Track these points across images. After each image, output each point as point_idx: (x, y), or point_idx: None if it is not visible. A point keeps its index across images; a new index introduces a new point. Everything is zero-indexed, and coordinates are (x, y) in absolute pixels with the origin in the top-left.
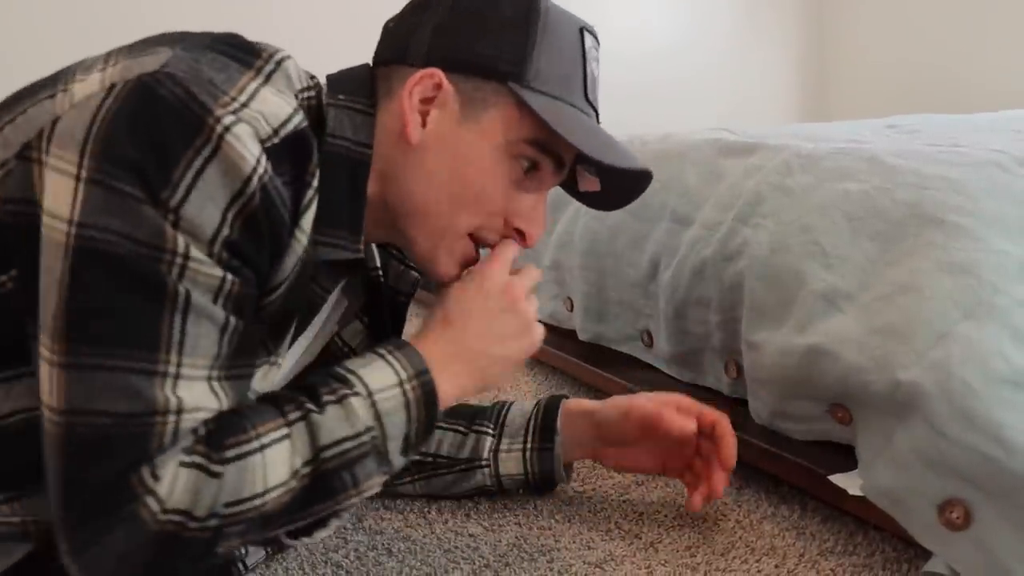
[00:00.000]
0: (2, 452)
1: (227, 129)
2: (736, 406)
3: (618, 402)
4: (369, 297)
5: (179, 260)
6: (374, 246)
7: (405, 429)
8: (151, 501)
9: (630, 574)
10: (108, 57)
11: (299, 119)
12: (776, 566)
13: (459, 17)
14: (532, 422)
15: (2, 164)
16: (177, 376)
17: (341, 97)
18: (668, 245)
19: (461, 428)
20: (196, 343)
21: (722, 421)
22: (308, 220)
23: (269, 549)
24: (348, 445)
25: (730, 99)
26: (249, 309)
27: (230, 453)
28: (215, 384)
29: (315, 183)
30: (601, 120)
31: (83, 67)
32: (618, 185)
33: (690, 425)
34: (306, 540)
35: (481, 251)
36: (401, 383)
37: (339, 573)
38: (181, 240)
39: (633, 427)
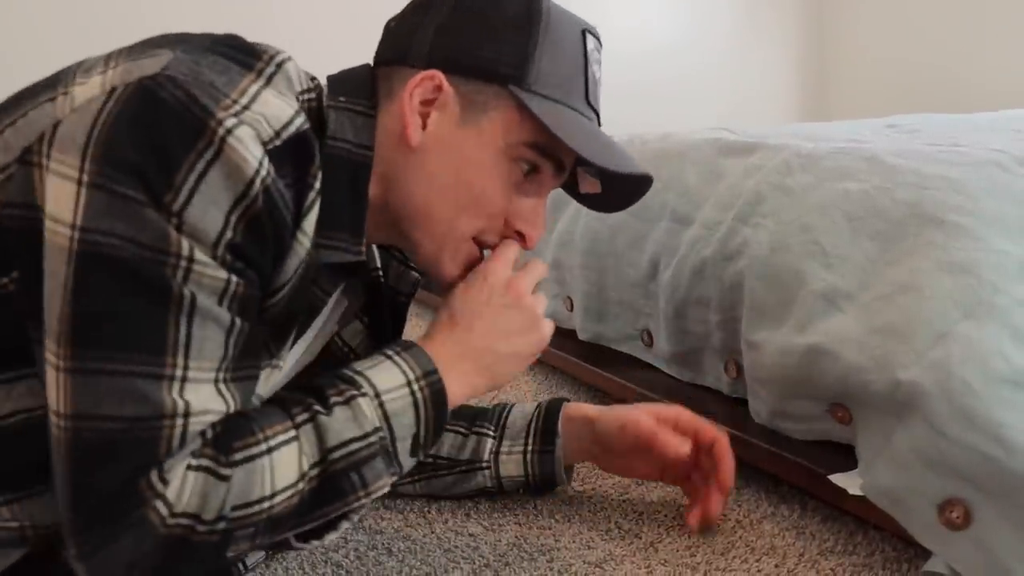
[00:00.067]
0: (2, 453)
1: (229, 132)
2: (736, 406)
3: (617, 414)
4: (369, 297)
5: (183, 263)
6: (374, 246)
7: (414, 429)
8: (160, 505)
9: (630, 574)
10: (108, 59)
11: (301, 121)
12: (776, 566)
13: (461, 18)
14: (533, 424)
15: (3, 168)
16: (184, 379)
17: (342, 99)
18: (668, 245)
19: (462, 429)
20: (202, 346)
21: (721, 440)
22: (310, 222)
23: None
24: (356, 446)
25: (730, 99)
26: (254, 311)
27: (238, 456)
28: (222, 387)
29: (317, 185)
30: (601, 120)
31: (83, 69)
32: (618, 188)
33: (684, 448)
34: (315, 543)
35: (484, 252)
36: (409, 383)
37: (339, 573)
38: (185, 243)
39: (629, 442)
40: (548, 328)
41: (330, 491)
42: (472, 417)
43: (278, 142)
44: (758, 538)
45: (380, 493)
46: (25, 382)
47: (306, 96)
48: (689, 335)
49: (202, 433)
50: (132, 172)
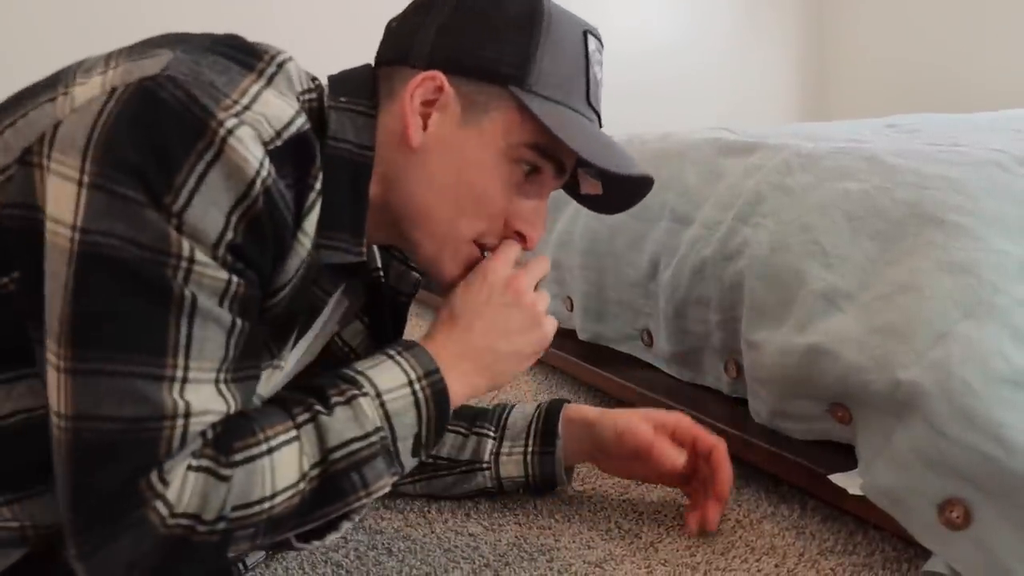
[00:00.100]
0: (2, 453)
1: (230, 132)
2: (736, 405)
3: (616, 419)
4: (370, 297)
5: (184, 264)
6: (375, 246)
7: (416, 429)
8: (160, 506)
9: (630, 573)
10: (108, 59)
11: (301, 121)
12: (776, 565)
13: (462, 18)
14: (533, 425)
15: (3, 169)
16: (184, 380)
17: (343, 99)
18: (668, 244)
19: (462, 430)
20: (203, 346)
21: (718, 449)
22: (311, 223)
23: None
24: (357, 446)
25: (730, 98)
26: (254, 311)
27: (238, 456)
28: (222, 387)
29: (318, 185)
30: (602, 120)
31: (83, 69)
32: (619, 189)
33: (679, 460)
34: (316, 543)
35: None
36: (411, 383)
37: (339, 572)
38: (185, 244)
39: (626, 449)
40: (550, 326)
41: (331, 491)
42: (472, 418)
43: (279, 142)
44: (758, 538)
45: (381, 493)
46: (25, 382)
47: (307, 96)
48: (689, 335)
49: (202, 433)
50: (132, 173)
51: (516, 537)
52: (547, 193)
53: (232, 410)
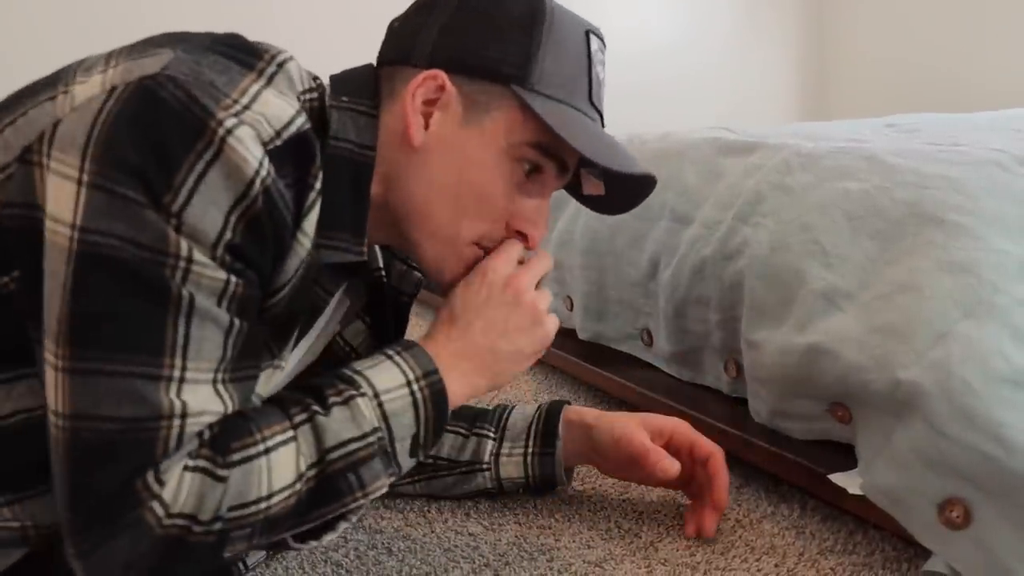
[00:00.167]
0: (2, 453)
1: (229, 132)
2: (736, 405)
3: (613, 424)
4: (371, 297)
5: (182, 264)
6: (377, 246)
7: (414, 430)
8: (156, 506)
9: (630, 573)
10: (109, 58)
11: (301, 121)
12: (776, 565)
13: (464, 18)
14: (534, 426)
15: (3, 168)
16: (182, 380)
17: (344, 99)
18: (668, 244)
19: (462, 431)
20: (200, 346)
21: (716, 456)
22: (311, 223)
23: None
24: (354, 446)
25: (730, 98)
26: (253, 311)
27: (235, 457)
28: (220, 387)
29: (318, 185)
30: (604, 120)
31: (83, 68)
32: (622, 189)
33: (672, 470)
34: (313, 543)
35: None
36: (409, 383)
37: (339, 572)
38: (184, 244)
39: (623, 455)
40: (552, 324)
41: (328, 492)
42: (472, 418)
43: (278, 142)
44: (758, 537)
45: (378, 494)
46: (25, 382)
47: (308, 96)
48: (689, 334)
49: (199, 434)
50: (132, 172)
51: (516, 537)
52: (549, 193)
53: (229, 410)
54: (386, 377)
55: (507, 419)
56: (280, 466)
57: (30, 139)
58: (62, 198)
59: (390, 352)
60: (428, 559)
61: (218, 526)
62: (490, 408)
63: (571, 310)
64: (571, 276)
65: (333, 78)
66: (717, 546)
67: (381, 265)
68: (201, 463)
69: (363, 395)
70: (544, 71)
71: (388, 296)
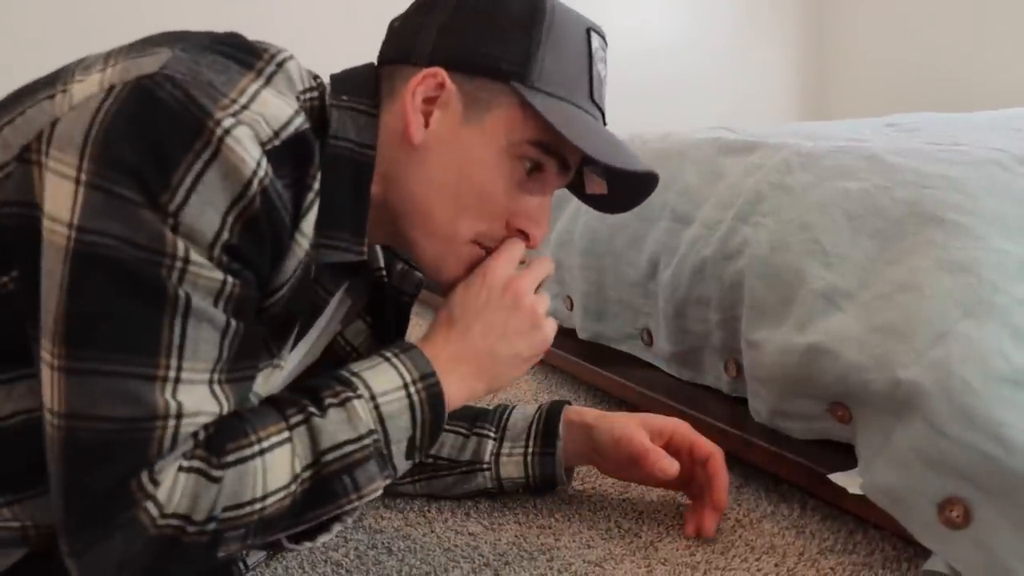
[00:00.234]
0: (2, 453)
1: (227, 132)
2: (736, 405)
3: (613, 424)
4: (373, 297)
5: (179, 264)
6: (378, 246)
7: (410, 432)
8: (150, 506)
9: (630, 573)
10: (108, 57)
11: (300, 121)
12: (776, 565)
13: (464, 17)
14: (534, 426)
15: (2, 167)
16: (177, 380)
17: (344, 98)
18: (668, 244)
19: (462, 430)
20: (197, 347)
21: (715, 457)
22: (309, 223)
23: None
24: (349, 448)
25: (730, 98)
26: (250, 311)
27: (230, 457)
28: (216, 388)
29: (316, 185)
30: (606, 118)
31: (82, 67)
32: (624, 187)
33: (672, 470)
34: (308, 544)
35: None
36: (406, 386)
37: (339, 572)
38: (181, 244)
39: (622, 455)
40: (550, 328)
41: (323, 493)
42: (473, 418)
43: (277, 142)
44: (758, 537)
45: (373, 496)
46: (25, 382)
47: (308, 95)
48: (689, 334)
49: (194, 434)
50: (129, 172)
51: (516, 536)
52: (550, 191)
53: (225, 411)
54: (383, 379)
55: (507, 419)
56: (275, 467)
57: (29, 138)
58: (60, 197)
59: (387, 354)
60: (428, 559)
61: (212, 527)
62: (490, 408)
63: (571, 310)
64: (571, 276)
65: (333, 77)
66: (717, 546)
67: (382, 265)
68: (196, 464)
69: (359, 397)
70: (544, 69)
71: (389, 296)
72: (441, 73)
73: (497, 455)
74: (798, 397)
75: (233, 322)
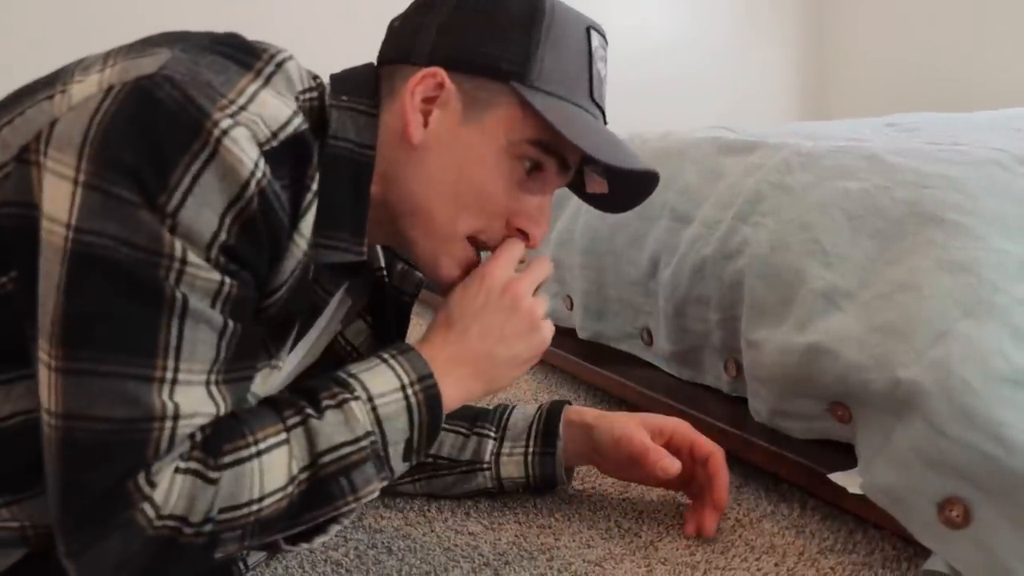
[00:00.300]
0: (1, 454)
1: (225, 133)
2: (736, 404)
3: (613, 424)
4: (373, 297)
5: (176, 265)
6: (378, 246)
7: (407, 434)
8: (147, 507)
9: (630, 572)
10: (107, 57)
11: (298, 122)
12: (776, 564)
13: (463, 16)
14: (534, 426)
15: (1, 167)
16: (174, 381)
17: (344, 98)
18: (668, 243)
19: (463, 430)
20: (194, 348)
21: (715, 456)
22: (307, 223)
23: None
24: (347, 450)
25: (730, 97)
26: (248, 312)
27: (227, 459)
28: (213, 389)
29: (314, 186)
30: (607, 117)
31: (81, 67)
32: (625, 186)
33: (673, 468)
34: (305, 546)
35: (483, 254)
36: (403, 387)
37: (339, 571)
38: (178, 245)
39: (623, 455)
40: (548, 331)
41: (319, 495)
42: (473, 418)
43: (275, 143)
44: (758, 537)
45: (370, 498)
46: (24, 383)
47: (308, 95)
48: (689, 334)
49: (191, 436)
50: (127, 173)
51: (516, 536)
52: (550, 191)
53: (222, 412)
54: (380, 381)
55: (508, 419)
56: (272, 469)
57: (28, 138)
58: (58, 197)
59: (385, 355)
60: (428, 558)
61: (209, 528)
62: (491, 408)
63: (571, 309)
64: (571, 275)
65: (333, 77)
66: (717, 545)
67: (382, 264)
68: (193, 465)
69: (357, 399)
70: (544, 68)
71: (389, 296)
72: (440, 73)
73: (497, 455)
74: (798, 397)
75: (230, 323)
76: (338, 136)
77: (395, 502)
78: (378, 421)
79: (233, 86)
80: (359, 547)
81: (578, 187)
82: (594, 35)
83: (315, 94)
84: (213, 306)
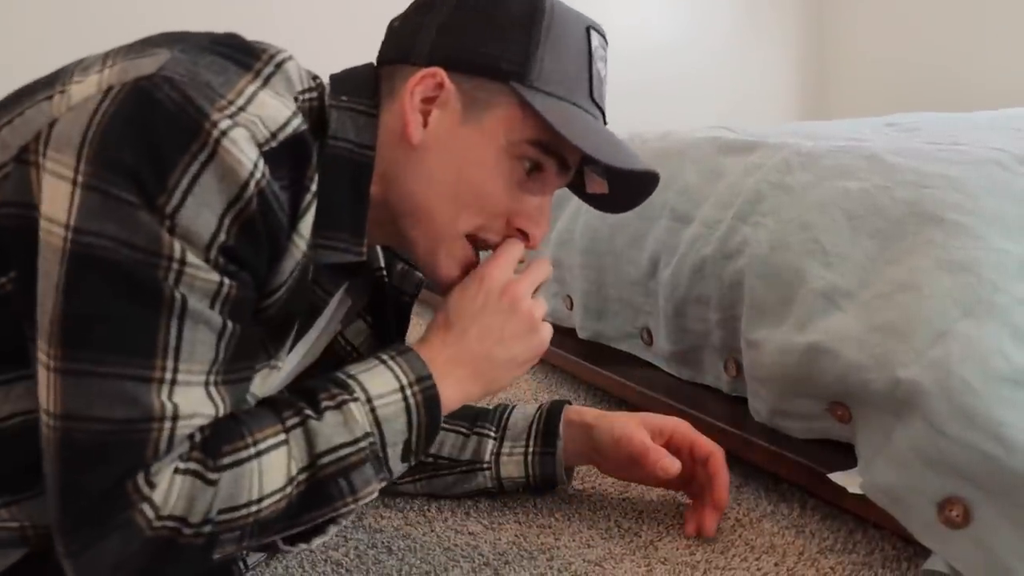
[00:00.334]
0: (0, 455)
1: (224, 134)
2: (736, 404)
3: (613, 424)
4: (373, 296)
5: (175, 266)
6: (378, 246)
7: (406, 435)
8: (146, 508)
9: (629, 572)
10: (106, 58)
11: (298, 122)
12: (776, 564)
13: (463, 16)
14: (534, 426)
15: (0, 167)
16: (173, 382)
17: (344, 98)
18: (668, 243)
19: (463, 430)
20: (193, 349)
21: (715, 456)
22: (307, 224)
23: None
24: (345, 452)
25: (730, 97)
26: (247, 313)
27: (226, 460)
28: (212, 390)
29: (313, 187)
30: (606, 117)
31: (81, 68)
32: (625, 187)
33: (673, 468)
34: (303, 546)
35: (483, 254)
36: (402, 389)
37: (339, 571)
38: (177, 246)
39: (623, 455)
40: (547, 332)
41: (318, 496)
42: (473, 417)
43: (274, 144)
44: (758, 536)
45: (369, 499)
46: (23, 383)
47: (307, 95)
48: (689, 333)
49: (191, 436)
50: (126, 174)
51: (516, 536)
52: (550, 191)
53: (221, 413)
54: (379, 382)
55: (508, 418)
56: (271, 470)
57: (27, 139)
58: (57, 198)
59: (384, 357)
60: (428, 558)
61: (208, 529)
62: (491, 408)
63: (571, 309)
64: (571, 275)
65: (333, 77)
66: (717, 545)
67: (382, 264)
68: (192, 466)
69: (356, 400)
70: (544, 68)
71: (390, 296)
72: (440, 73)
73: (497, 455)
74: (798, 396)
75: (229, 324)
76: (337, 136)
77: (395, 502)
78: (377, 422)
79: (232, 87)
80: (359, 547)
81: (578, 187)
82: (594, 35)
83: (314, 94)
84: (212, 307)
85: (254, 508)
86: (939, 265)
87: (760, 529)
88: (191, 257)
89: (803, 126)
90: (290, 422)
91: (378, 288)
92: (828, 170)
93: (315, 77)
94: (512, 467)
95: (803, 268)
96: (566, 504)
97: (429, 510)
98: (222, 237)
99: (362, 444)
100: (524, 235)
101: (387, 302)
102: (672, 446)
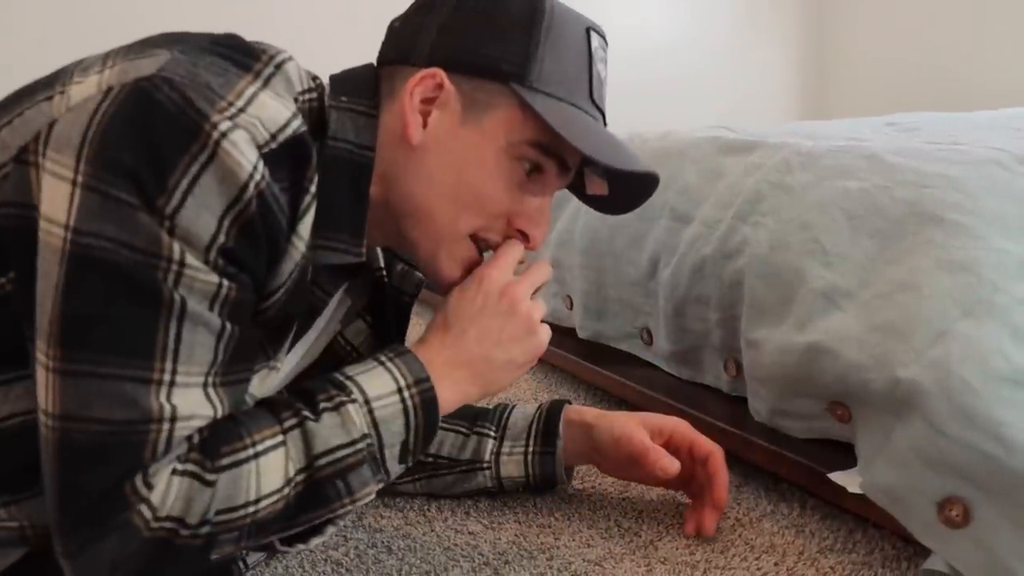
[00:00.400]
0: (0, 455)
1: (223, 135)
2: (736, 404)
3: (613, 423)
4: (373, 297)
5: (175, 267)
6: (377, 246)
7: (403, 436)
8: (144, 509)
9: (629, 572)
10: (106, 58)
11: (297, 124)
12: (775, 564)
13: (463, 17)
14: (534, 426)
15: (0, 167)
16: (172, 384)
17: (344, 99)
18: (668, 243)
19: (463, 429)
20: (192, 350)
21: (715, 455)
22: (306, 225)
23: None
24: (343, 453)
25: (730, 97)
26: (246, 315)
27: (224, 461)
28: (211, 391)
29: (313, 188)
30: (607, 118)
31: (80, 68)
32: (625, 188)
33: (672, 468)
34: (301, 547)
35: (485, 254)
36: (400, 390)
37: (339, 571)
38: (177, 247)
39: (623, 455)
40: (545, 335)
41: (316, 497)
42: (473, 417)
43: (274, 145)
44: (757, 536)
45: (366, 500)
46: (23, 384)
47: (307, 96)
48: (689, 333)
49: (189, 438)
50: (126, 175)
51: (516, 535)
52: (551, 192)
53: (220, 414)
54: (377, 383)
55: (508, 418)
56: (269, 471)
57: (26, 139)
58: (56, 199)
59: (382, 358)
60: (428, 558)
61: (205, 530)
62: (491, 407)
63: (571, 309)
64: (571, 275)
65: (333, 78)
66: (717, 545)
67: (382, 265)
68: (190, 467)
69: (353, 401)
70: (544, 69)
71: (389, 296)
72: (440, 74)
73: (497, 454)
74: (798, 396)
75: (228, 325)
76: (337, 137)
77: (395, 502)
78: (374, 424)
79: (232, 88)
80: (359, 546)
81: (578, 188)
82: (594, 36)
83: (314, 95)
84: (211, 308)
85: (251, 509)
86: (939, 265)
87: (760, 529)
88: (190, 259)
89: (803, 126)
90: (288, 423)
91: (378, 288)
92: (828, 170)
93: (315, 78)
94: (512, 467)
95: (803, 268)
96: (566, 504)
97: (429, 510)
98: (221, 239)
99: (359, 446)
100: (524, 236)
101: (387, 302)
102: (672, 446)
